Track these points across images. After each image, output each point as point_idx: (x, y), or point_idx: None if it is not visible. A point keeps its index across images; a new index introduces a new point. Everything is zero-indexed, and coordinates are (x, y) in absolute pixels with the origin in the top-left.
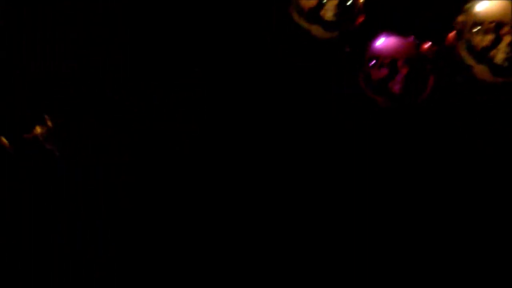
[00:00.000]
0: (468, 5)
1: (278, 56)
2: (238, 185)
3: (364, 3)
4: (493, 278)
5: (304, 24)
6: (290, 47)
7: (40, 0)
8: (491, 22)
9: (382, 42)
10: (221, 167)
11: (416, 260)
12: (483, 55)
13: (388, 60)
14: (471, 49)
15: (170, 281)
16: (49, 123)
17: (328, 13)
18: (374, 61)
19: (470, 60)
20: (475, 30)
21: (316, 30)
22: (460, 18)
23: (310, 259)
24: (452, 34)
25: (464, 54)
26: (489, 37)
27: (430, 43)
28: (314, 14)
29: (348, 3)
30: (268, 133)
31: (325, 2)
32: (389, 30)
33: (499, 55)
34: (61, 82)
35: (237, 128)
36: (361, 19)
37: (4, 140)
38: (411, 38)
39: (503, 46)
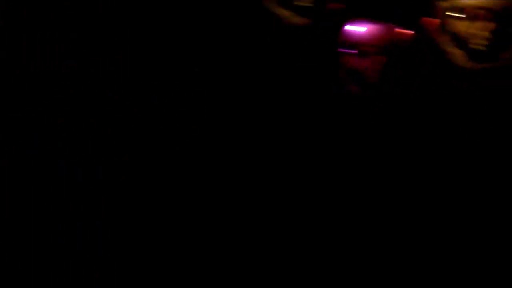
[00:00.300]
0: None
1: (277, 56)
2: (238, 185)
3: None
4: (493, 278)
5: (277, 10)
6: (289, 47)
7: (40, 0)
8: (473, 8)
9: (358, 28)
10: (221, 167)
11: (416, 259)
12: (463, 41)
13: (365, 47)
14: (452, 35)
15: (170, 281)
16: None
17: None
18: (350, 49)
19: (449, 47)
20: (456, 15)
21: (290, 16)
22: (441, 4)
23: (309, 257)
24: (431, 20)
25: (443, 40)
26: (471, 24)
27: (408, 29)
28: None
29: None
30: (268, 133)
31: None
32: (365, 16)
33: (480, 41)
34: (61, 82)
35: (237, 128)
36: (336, 5)
37: None
38: (389, 25)
39: (484, 32)
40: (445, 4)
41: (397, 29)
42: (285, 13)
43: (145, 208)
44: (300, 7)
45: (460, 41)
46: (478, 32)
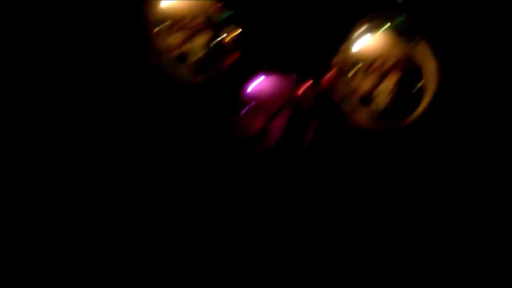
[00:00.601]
0: (346, 44)
1: (276, 57)
2: (238, 185)
3: (235, 39)
4: (493, 278)
5: (167, 65)
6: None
7: (40, 0)
8: (372, 63)
9: (258, 83)
10: (221, 167)
11: (415, 260)
12: (363, 98)
13: (265, 103)
14: (350, 91)
15: (170, 281)
16: None
17: (193, 53)
18: (249, 106)
19: (349, 104)
20: (353, 71)
21: (181, 72)
22: (338, 58)
23: (306, 261)
24: (330, 75)
25: (342, 97)
26: (370, 79)
27: (311, 82)
28: (177, 55)
29: (216, 41)
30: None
31: (188, 40)
32: (264, 69)
33: (380, 98)
34: (61, 82)
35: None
36: (233, 57)
37: None
38: (290, 78)
39: (384, 88)
40: (339, 58)
41: (303, 83)
42: (176, 69)
43: (145, 208)
44: (192, 63)
45: (362, 99)
46: (382, 89)
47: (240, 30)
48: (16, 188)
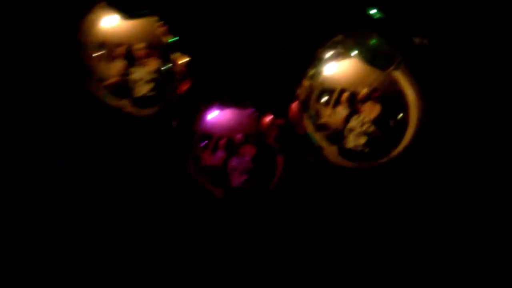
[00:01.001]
0: (313, 70)
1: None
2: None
3: (186, 67)
4: (493, 278)
5: (113, 101)
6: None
7: (40, 0)
8: (341, 92)
9: (214, 116)
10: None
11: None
12: (333, 134)
13: (224, 139)
14: (318, 124)
15: (170, 281)
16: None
17: (138, 88)
18: (205, 141)
19: (319, 138)
20: (322, 100)
21: (129, 106)
22: (304, 85)
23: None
24: (295, 105)
25: (311, 129)
26: (340, 111)
27: (272, 116)
28: (122, 89)
29: (163, 70)
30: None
31: (131, 74)
32: (220, 100)
33: (353, 135)
34: (61, 82)
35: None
36: (184, 87)
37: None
38: (250, 111)
39: (357, 123)
40: (308, 84)
41: (263, 116)
42: (123, 104)
43: (145, 208)
44: (139, 97)
45: (333, 134)
46: (354, 124)
47: (189, 58)
48: (16, 188)
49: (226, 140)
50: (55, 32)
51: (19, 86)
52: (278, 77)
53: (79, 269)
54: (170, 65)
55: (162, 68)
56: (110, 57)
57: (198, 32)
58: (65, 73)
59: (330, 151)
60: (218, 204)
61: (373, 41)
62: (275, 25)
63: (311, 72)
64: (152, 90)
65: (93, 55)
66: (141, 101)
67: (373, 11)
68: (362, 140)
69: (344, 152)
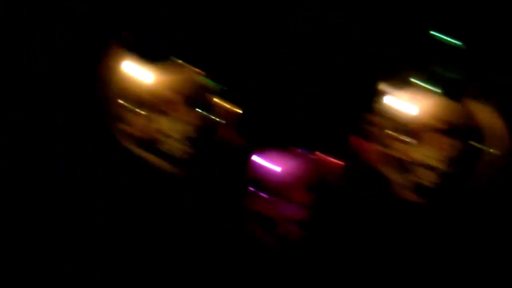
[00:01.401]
0: (381, 104)
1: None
2: (237, 185)
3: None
4: (493, 278)
5: (144, 155)
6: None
7: (40, 0)
8: (415, 126)
9: (269, 164)
10: (220, 167)
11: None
12: (411, 169)
13: (280, 189)
14: (396, 162)
15: (170, 281)
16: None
17: (169, 143)
18: (261, 191)
19: (392, 176)
20: (401, 138)
21: (162, 163)
22: (375, 121)
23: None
24: (364, 143)
25: (384, 168)
26: (420, 149)
27: (335, 159)
28: (154, 146)
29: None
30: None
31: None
32: (277, 147)
33: (427, 170)
34: (61, 82)
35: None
36: (231, 135)
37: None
38: (311, 154)
39: (436, 159)
40: (383, 123)
41: (323, 159)
42: (156, 159)
43: (145, 208)
44: (171, 155)
45: (407, 169)
46: (429, 159)
47: (238, 109)
48: (16, 188)
49: (282, 189)
50: (55, 32)
51: (19, 86)
52: (327, 115)
53: (79, 269)
54: (212, 115)
55: (202, 119)
56: (140, 107)
57: (240, 77)
58: (65, 73)
59: (402, 185)
60: (216, 206)
61: (445, 72)
62: (275, 25)
63: (380, 107)
64: (185, 147)
65: (120, 102)
66: (171, 158)
67: (452, 41)
68: (433, 175)
69: (415, 186)
